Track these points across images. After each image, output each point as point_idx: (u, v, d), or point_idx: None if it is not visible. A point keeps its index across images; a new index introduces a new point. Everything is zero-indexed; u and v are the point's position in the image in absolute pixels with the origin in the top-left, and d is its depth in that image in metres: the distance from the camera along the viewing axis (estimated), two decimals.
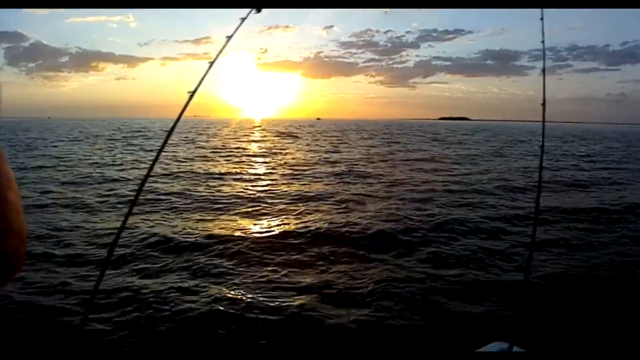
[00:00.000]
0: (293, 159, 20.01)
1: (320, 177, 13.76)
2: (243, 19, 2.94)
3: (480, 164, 18.88)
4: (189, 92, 2.72)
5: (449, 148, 28.70)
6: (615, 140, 44.95)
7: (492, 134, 54.08)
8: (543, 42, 3.46)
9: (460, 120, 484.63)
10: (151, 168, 2.62)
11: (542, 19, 3.49)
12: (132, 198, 2.57)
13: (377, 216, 8.18)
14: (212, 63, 2.89)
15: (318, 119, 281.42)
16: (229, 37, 2.91)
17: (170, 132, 2.70)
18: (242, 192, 11.05)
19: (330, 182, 12.76)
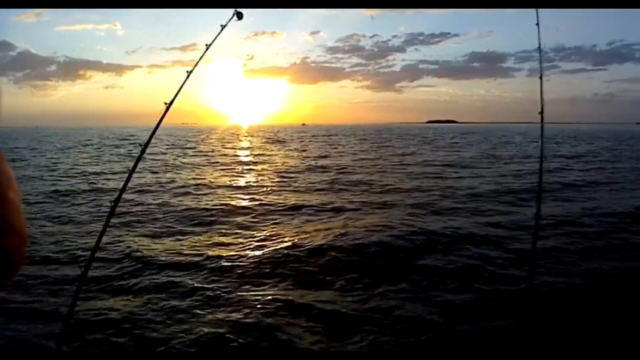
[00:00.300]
0: (283, 165, 19.80)
1: (312, 185, 13.43)
2: (223, 26, 2.83)
3: (474, 167, 18.77)
4: (166, 103, 2.61)
5: (437, 151, 28.75)
6: (605, 140, 45.23)
7: (481, 136, 54.29)
8: (540, 48, 3.41)
9: (448, 123, 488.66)
10: (127, 181, 2.48)
11: (537, 23, 3.43)
12: (108, 211, 2.44)
13: (373, 226, 7.81)
14: (190, 72, 2.79)
15: (303, 124, 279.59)
16: (208, 45, 2.79)
17: (146, 144, 2.59)
18: (231, 203, 10.60)
19: (322, 191, 12.43)
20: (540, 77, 3.20)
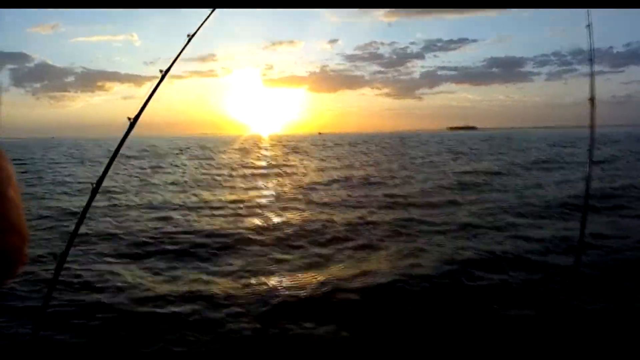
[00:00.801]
0: (304, 176, 19.04)
1: (345, 202, 11.83)
2: (205, 19, 2.61)
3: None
4: (130, 119, 2.36)
5: (469, 160, 27.24)
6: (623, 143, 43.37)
7: (506, 142, 53.11)
8: (592, 49, 3.34)
9: (469, 129, 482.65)
10: (93, 195, 2.27)
11: (589, 25, 3.30)
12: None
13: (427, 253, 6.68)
14: (165, 73, 2.55)
15: (319, 133, 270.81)
16: (191, 36, 2.59)
17: (112, 159, 2.40)
18: (253, 226, 9.03)
19: (356, 208, 11.00)
20: (592, 76, 3.25)
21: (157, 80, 2.53)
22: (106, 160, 2.32)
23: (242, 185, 16.53)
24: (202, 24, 2.57)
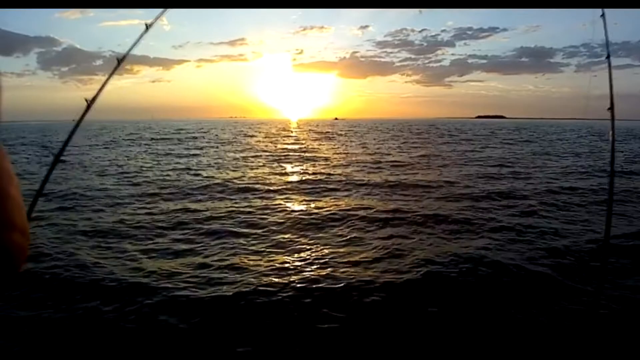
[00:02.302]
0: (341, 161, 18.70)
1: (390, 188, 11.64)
2: (149, 25, 2.91)
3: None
4: (87, 100, 2.69)
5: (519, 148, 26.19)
6: None
7: (536, 132, 51.52)
8: (607, 43, 3.29)
9: (497, 118, 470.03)
10: (46, 178, 2.58)
11: (602, 15, 3.24)
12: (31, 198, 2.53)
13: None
14: (121, 60, 2.85)
15: (336, 119, 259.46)
16: (149, 25, 2.89)
17: (67, 140, 2.68)
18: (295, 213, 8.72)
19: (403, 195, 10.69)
20: (609, 70, 3.21)
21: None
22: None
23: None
24: (157, 18, 2.87)
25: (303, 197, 10.49)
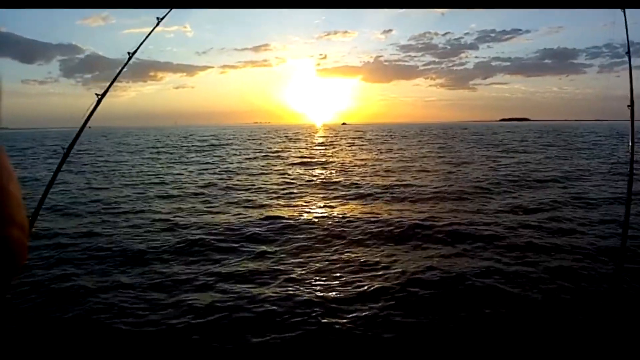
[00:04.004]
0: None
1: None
2: (160, 19, 2.89)
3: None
4: (98, 95, 2.68)
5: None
6: None
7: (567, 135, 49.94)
8: (628, 41, 3.31)
9: (521, 121, 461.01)
10: (51, 182, 2.58)
11: (623, 9, 3.18)
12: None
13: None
14: (132, 54, 2.84)
15: (343, 123, 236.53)
16: (146, 36, 2.85)
17: (73, 143, 2.67)
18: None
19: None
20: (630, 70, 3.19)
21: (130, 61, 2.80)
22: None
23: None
24: (166, 14, 2.85)
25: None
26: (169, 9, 2.85)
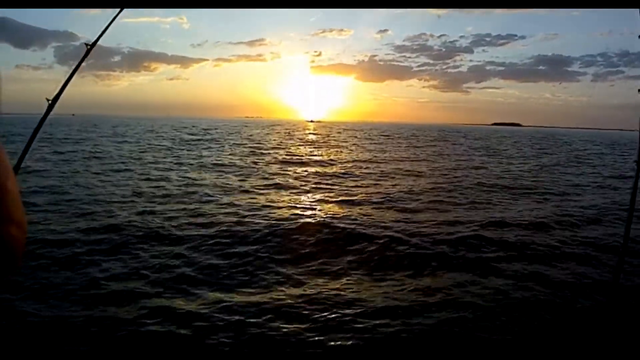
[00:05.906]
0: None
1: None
2: (113, 19, 2.50)
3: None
4: (48, 100, 2.27)
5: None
6: None
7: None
8: None
9: (513, 126, 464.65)
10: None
11: None
12: None
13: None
14: (76, 68, 2.44)
15: (311, 121, 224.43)
16: (99, 36, 2.46)
17: (30, 140, 2.30)
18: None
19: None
20: None
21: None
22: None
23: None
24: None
25: None
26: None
